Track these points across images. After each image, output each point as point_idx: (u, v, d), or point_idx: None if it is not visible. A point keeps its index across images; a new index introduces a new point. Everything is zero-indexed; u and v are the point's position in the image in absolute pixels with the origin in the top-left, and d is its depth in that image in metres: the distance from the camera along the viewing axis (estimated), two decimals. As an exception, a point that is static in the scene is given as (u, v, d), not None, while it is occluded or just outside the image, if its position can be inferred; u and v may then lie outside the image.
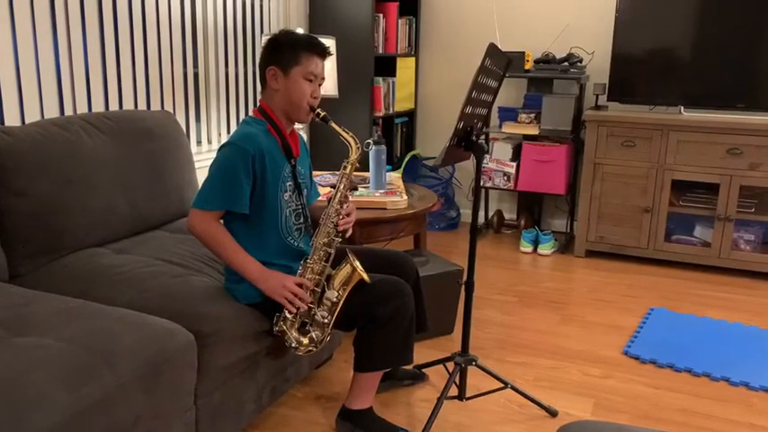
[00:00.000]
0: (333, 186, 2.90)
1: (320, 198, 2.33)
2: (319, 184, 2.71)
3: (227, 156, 1.90)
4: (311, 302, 1.95)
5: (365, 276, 1.94)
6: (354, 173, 2.06)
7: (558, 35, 4.25)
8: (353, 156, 2.01)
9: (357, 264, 1.93)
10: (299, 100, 1.97)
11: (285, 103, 1.99)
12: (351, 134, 2.02)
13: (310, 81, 1.97)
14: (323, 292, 1.96)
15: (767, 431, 2.21)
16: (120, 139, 2.39)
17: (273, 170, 1.95)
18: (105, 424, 1.47)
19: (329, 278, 1.97)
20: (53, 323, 1.63)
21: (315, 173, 2.51)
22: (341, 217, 2.00)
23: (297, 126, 2.15)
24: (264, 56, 1.99)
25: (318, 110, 2.00)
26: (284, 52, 1.96)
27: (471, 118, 2.07)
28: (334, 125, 2.00)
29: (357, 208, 2.19)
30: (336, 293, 1.94)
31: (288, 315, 1.93)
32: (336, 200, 2.00)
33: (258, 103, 2.04)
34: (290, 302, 1.91)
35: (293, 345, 1.94)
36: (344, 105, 4.01)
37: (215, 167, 1.92)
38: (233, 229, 1.96)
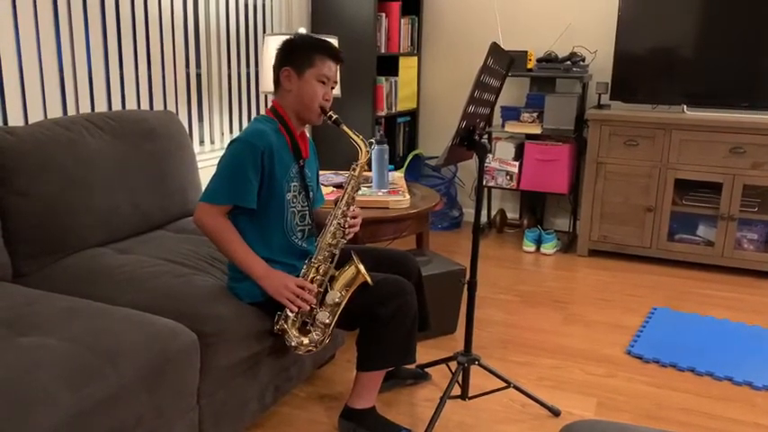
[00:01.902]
0: (335, 186, 2.91)
1: (325, 202, 2.33)
2: (322, 183, 2.71)
3: (237, 151, 1.91)
4: (313, 303, 1.95)
5: (369, 279, 1.94)
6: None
7: (560, 34, 4.24)
8: (363, 159, 2.03)
9: (361, 266, 1.94)
10: (311, 101, 1.99)
11: (297, 103, 2.01)
12: (361, 137, 2.05)
13: (323, 83, 2.00)
14: (325, 292, 1.97)
15: (770, 431, 2.21)
16: (122, 140, 2.39)
17: (281, 168, 1.96)
18: (108, 424, 1.48)
19: (332, 279, 1.98)
20: (56, 323, 1.64)
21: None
22: (347, 219, 2.01)
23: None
24: (279, 57, 2.02)
25: (331, 112, 2.02)
26: (299, 54, 1.98)
27: (474, 117, 2.07)
28: (345, 128, 2.02)
29: (359, 207, 2.20)
30: (339, 294, 1.95)
31: (289, 314, 1.94)
32: (344, 201, 2.01)
33: (271, 103, 2.06)
34: (292, 303, 1.91)
35: (293, 344, 1.94)
36: (347, 105, 4.02)
37: (224, 162, 1.93)
38: (239, 225, 1.96)
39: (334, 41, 3.45)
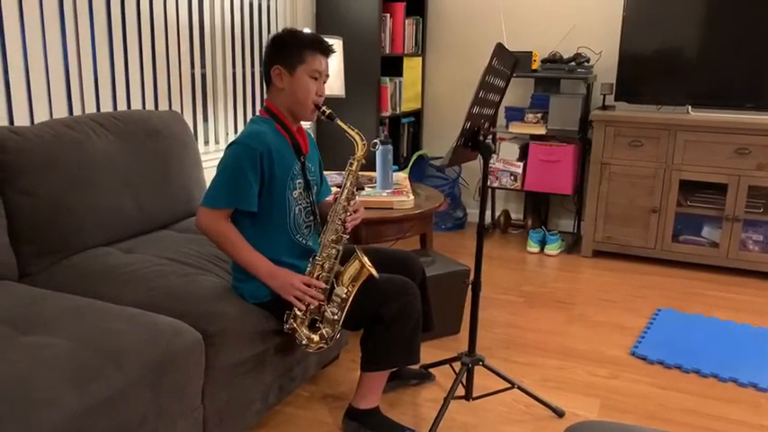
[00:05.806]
0: (338, 185, 2.91)
1: (329, 198, 2.33)
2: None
3: (235, 154, 1.91)
4: (321, 300, 1.95)
5: (374, 272, 1.94)
6: (361, 172, 2.06)
7: (565, 35, 4.24)
8: (359, 152, 2.02)
9: (365, 260, 1.93)
10: (305, 98, 1.98)
11: (290, 101, 2.00)
12: (356, 131, 2.03)
13: (315, 79, 1.99)
14: (332, 288, 1.97)
15: (775, 432, 2.20)
16: (127, 139, 2.40)
17: (282, 168, 1.96)
18: (112, 423, 1.48)
19: (338, 275, 1.98)
20: (61, 322, 1.64)
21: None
22: (348, 214, 2.01)
23: (305, 125, 2.16)
24: (269, 55, 2.01)
25: (324, 107, 2.01)
26: (289, 51, 1.97)
27: (478, 118, 2.07)
28: (339, 122, 2.01)
29: (364, 207, 2.20)
30: (345, 290, 1.95)
31: (298, 313, 1.94)
32: (344, 197, 2.00)
33: (264, 103, 2.06)
34: (300, 300, 1.91)
35: (304, 342, 1.94)
36: (351, 105, 4.02)
37: (222, 166, 1.93)
38: (242, 227, 1.96)
39: (338, 42, 3.46)
